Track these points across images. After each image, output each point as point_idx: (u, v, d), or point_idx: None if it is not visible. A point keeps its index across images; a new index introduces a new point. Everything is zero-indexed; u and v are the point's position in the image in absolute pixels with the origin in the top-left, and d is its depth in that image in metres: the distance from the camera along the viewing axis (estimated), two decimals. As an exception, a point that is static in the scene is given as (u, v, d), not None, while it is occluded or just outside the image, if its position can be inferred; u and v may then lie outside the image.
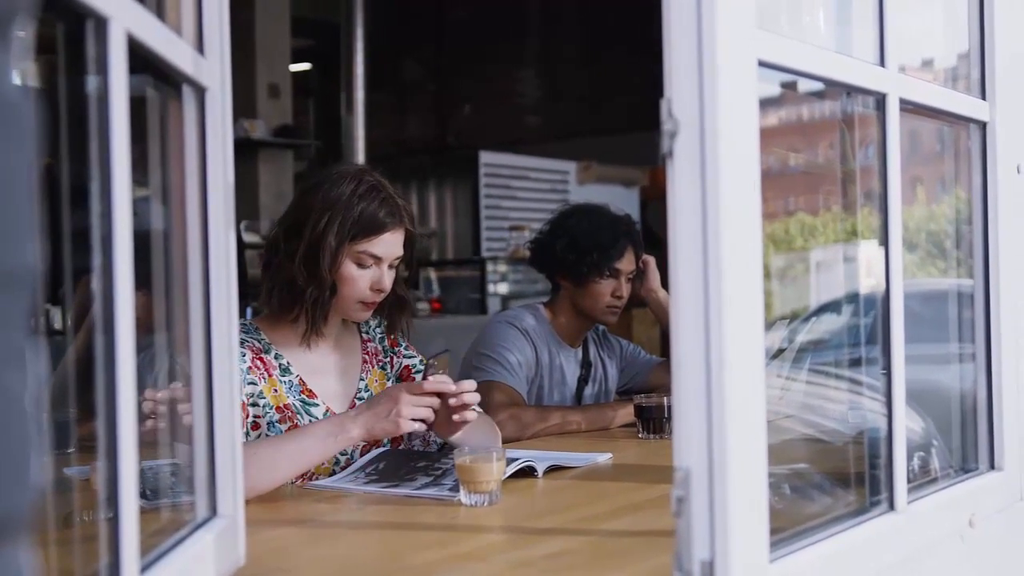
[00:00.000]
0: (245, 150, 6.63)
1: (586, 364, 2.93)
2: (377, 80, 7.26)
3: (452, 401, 1.93)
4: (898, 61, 1.41)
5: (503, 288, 7.31)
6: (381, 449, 2.08)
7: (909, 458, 1.44)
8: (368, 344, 2.22)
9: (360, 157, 6.79)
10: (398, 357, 2.25)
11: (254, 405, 2.00)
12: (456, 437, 2.02)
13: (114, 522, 0.91)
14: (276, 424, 2.01)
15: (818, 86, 1.43)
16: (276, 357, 2.08)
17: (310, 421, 2.03)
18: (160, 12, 1.13)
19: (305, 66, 8.77)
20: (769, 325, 1.15)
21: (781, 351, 1.79)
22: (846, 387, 1.71)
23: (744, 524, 1.06)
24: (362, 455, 2.08)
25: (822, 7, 1.66)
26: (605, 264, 2.78)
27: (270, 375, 2.05)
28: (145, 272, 1.15)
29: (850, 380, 1.70)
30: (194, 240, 1.24)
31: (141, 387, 0.96)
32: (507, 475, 1.84)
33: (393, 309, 2.17)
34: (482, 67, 9.35)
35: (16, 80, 0.60)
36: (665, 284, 2.87)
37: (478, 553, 1.50)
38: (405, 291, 2.15)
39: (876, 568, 1.34)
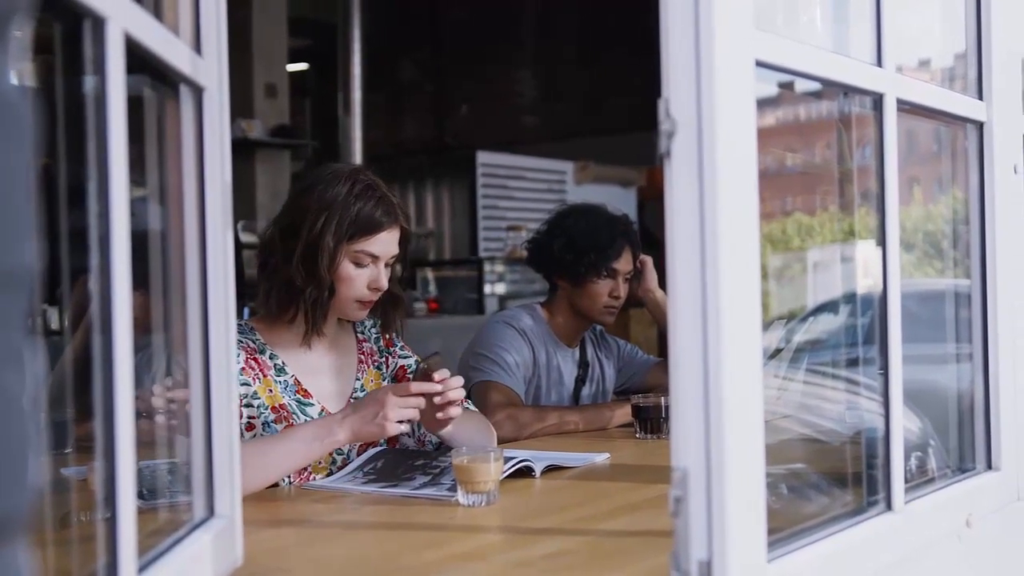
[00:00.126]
0: (242, 150, 6.63)
1: (583, 364, 2.93)
2: (374, 80, 7.26)
3: (437, 399, 1.94)
4: (895, 61, 1.42)
5: (500, 288, 7.31)
6: (378, 448, 2.08)
7: (906, 458, 1.44)
8: (364, 344, 2.23)
9: (357, 157, 6.78)
10: (393, 357, 2.26)
11: (248, 406, 2.00)
12: (447, 432, 2.03)
13: (112, 522, 0.91)
14: (272, 424, 2.01)
15: (815, 86, 1.43)
16: (271, 357, 2.08)
17: (305, 421, 2.03)
18: (158, 12, 1.13)
19: (302, 66, 8.76)
20: (766, 325, 1.15)
21: (778, 351, 1.79)
22: (843, 387, 1.71)
23: (742, 524, 1.06)
24: (359, 455, 2.08)
25: (819, 7, 1.66)
26: (603, 264, 2.78)
27: (265, 375, 2.05)
28: (142, 272, 1.15)
29: (847, 380, 1.70)
30: (191, 240, 1.24)
31: (139, 387, 0.96)
32: (504, 475, 1.84)
33: (388, 307, 2.17)
34: (479, 67, 9.35)
35: (14, 80, 0.60)
36: (662, 284, 2.87)
37: (476, 553, 1.50)
38: (399, 288, 2.16)
39: (874, 568, 1.34)
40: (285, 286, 2.04)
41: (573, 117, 8.97)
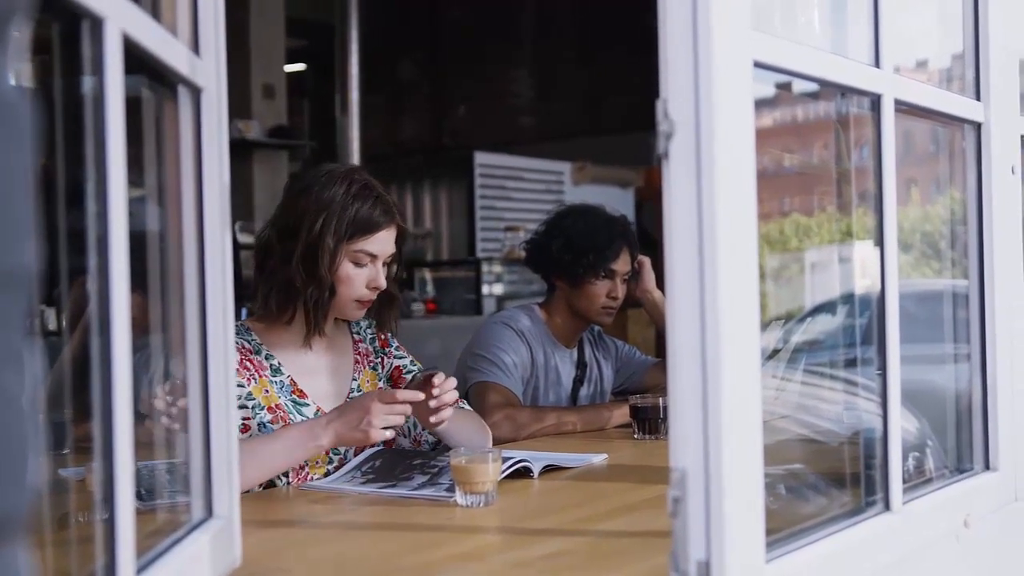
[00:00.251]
0: (240, 150, 6.63)
1: (581, 365, 2.93)
2: (372, 80, 7.26)
3: (432, 403, 1.95)
4: (893, 62, 1.42)
5: (498, 289, 7.31)
6: (376, 448, 2.08)
7: (904, 458, 1.44)
8: (359, 344, 2.24)
9: (355, 158, 6.78)
10: (389, 358, 2.27)
11: (243, 407, 2.00)
12: (442, 430, 2.03)
13: (110, 523, 0.91)
14: (268, 424, 2.02)
15: (812, 87, 1.43)
16: (267, 358, 2.08)
17: (301, 421, 2.04)
18: (156, 12, 1.13)
19: (300, 67, 8.76)
20: (764, 326, 1.15)
21: (776, 352, 1.79)
22: (841, 387, 1.71)
23: (740, 524, 1.06)
24: (356, 455, 2.08)
25: (817, 8, 1.66)
26: (601, 265, 2.78)
27: (260, 376, 2.05)
28: (140, 273, 1.14)
29: (845, 381, 1.70)
30: (190, 241, 1.24)
31: (137, 388, 0.96)
32: (503, 476, 1.84)
33: (383, 306, 2.18)
34: (477, 68, 9.35)
35: (13, 80, 0.60)
36: (660, 285, 2.88)
37: (474, 554, 1.50)
38: (394, 287, 2.17)
39: (872, 568, 1.34)
40: (284, 287, 2.05)
41: (571, 117, 8.97)
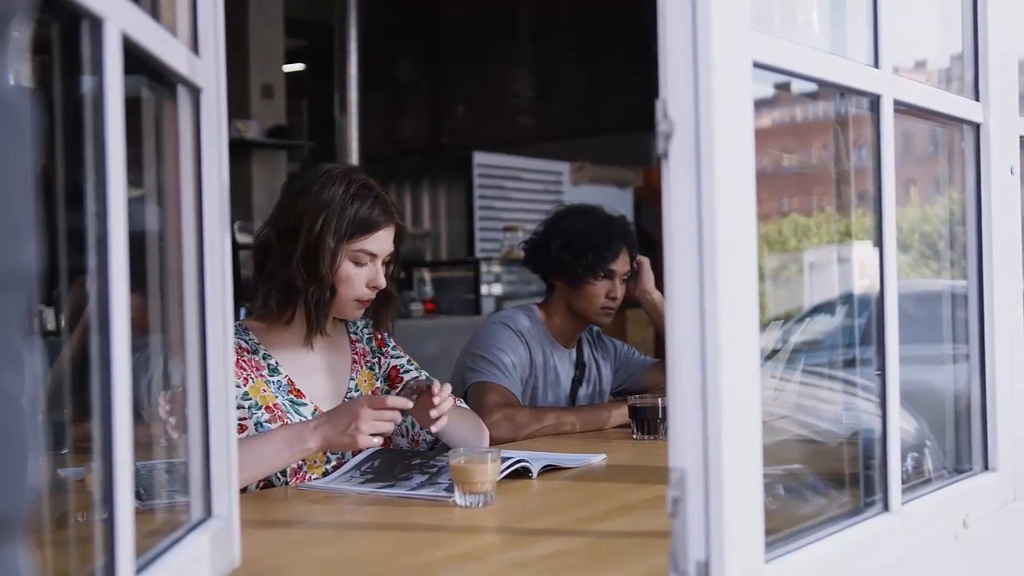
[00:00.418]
0: (239, 150, 6.63)
1: (580, 365, 2.93)
2: (371, 80, 7.25)
3: (433, 413, 1.95)
4: (892, 62, 1.42)
5: (497, 289, 7.31)
6: (374, 448, 2.08)
7: (903, 459, 1.44)
8: (356, 344, 2.24)
9: (354, 158, 6.78)
10: (385, 358, 2.27)
11: (238, 407, 2.00)
12: (438, 427, 2.03)
13: (109, 523, 0.91)
14: (266, 424, 2.02)
15: (811, 87, 1.43)
16: (265, 357, 2.09)
17: (299, 421, 2.04)
18: (155, 12, 1.13)
19: (299, 67, 8.76)
20: (763, 326, 1.15)
21: (775, 352, 1.79)
22: (840, 388, 1.71)
23: (739, 525, 1.06)
24: (354, 455, 2.08)
25: (816, 8, 1.66)
26: (600, 265, 2.78)
27: (259, 375, 2.05)
28: (140, 273, 1.14)
29: (844, 381, 1.70)
30: (189, 241, 1.24)
31: (136, 388, 0.96)
32: (502, 476, 1.84)
33: (380, 305, 2.18)
34: (476, 67, 9.35)
35: (13, 80, 0.60)
36: (659, 285, 2.88)
37: (474, 554, 1.50)
38: (392, 286, 2.17)
39: (871, 568, 1.34)
40: (284, 287, 2.05)
41: (570, 117, 8.97)
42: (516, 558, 1.45)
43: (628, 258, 2.84)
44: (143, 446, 1.29)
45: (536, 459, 2.03)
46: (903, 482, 1.41)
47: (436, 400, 1.96)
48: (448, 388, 2.00)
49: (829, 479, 1.54)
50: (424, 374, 2.30)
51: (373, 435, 1.86)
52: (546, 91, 9.28)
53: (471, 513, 1.70)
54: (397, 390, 2.06)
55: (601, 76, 8.65)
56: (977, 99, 1.67)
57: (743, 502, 1.07)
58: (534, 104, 9.32)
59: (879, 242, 1.40)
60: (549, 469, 2.04)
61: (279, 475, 2.01)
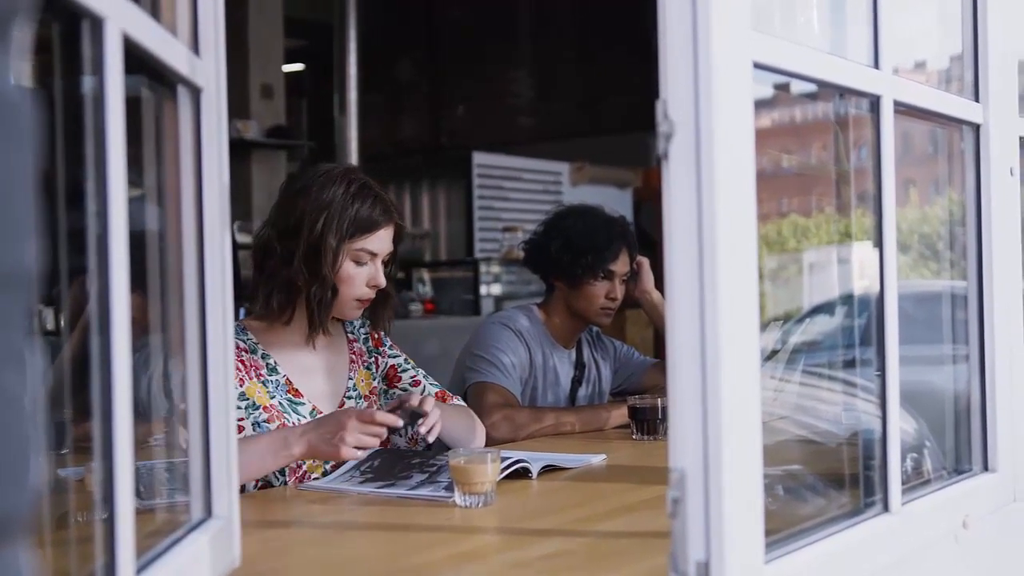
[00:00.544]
0: (238, 150, 6.63)
1: (580, 365, 2.93)
2: (370, 80, 7.25)
3: (423, 430, 1.96)
4: (892, 63, 1.42)
5: (496, 289, 7.31)
6: (356, 460, 2.08)
7: (902, 459, 1.44)
8: (354, 344, 2.25)
9: (353, 158, 6.78)
10: (383, 357, 2.28)
11: (236, 408, 2.00)
12: (432, 435, 2.03)
13: (110, 523, 0.91)
14: (264, 424, 2.02)
15: (811, 87, 1.43)
16: (263, 357, 2.09)
17: (297, 420, 2.05)
18: (155, 12, 1.13)
19: (298, 67, 8.76)
20: (762, 326, 1.15)
21: (775, 352, 1.79)
22: (840, 388, 1.71)
23: (739, 525, 1.06)
24: (336, 466, 2.07)
25: (816, 8, 1.66)
26: (600, 266, 2.78)
27: (258, 374, 2.06)
28: (140, 273, 1.14)
29: (844, 382, 1.70)
30: (189, 241, 1.24)
31: (136, 388, 0.96)
32: (501, 476, 1.84)
33: (377, 304, 2.19)
34: (475, 67, 9.35)
35: (15, 80, 0.60)
36: (659, 285, 2.88)
37: (473, 554, 1.50)
38: (390, 285, 2.17)
39: (871, 569, 1.34)
40: (286, 287, 2.06)
41: (569, 117, 8.97)
42: (516, 558, 1.45)
43: (628, 258, 2.84)
44: (143, 447, 1.29)
45: (536, 459, 2.03)
46: (903, 483, 1.41)
47: (424, 428, 1.95)
48: (430, 401, 1.99)
49: (829, 480, 1.54)
50: (421, 372, 2.31)
51: (357, 448, 1.84)
52: (546, 91, 9.28)
53: (471, 513, 1.70)
54: (390, 406, 2.05)
55: (601, 76, 8.65)
56: (977, 100, 1.67)
57: (743, 502, 1.07)
58: (534, 104, 9.33)
59: (879, 243, 1.40)
60: (549, 469, 2.04)
61: (278, 475, 2.01)
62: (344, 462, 1.98)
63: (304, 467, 2.04)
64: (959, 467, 1.68)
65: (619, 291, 2.82)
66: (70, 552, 1.03)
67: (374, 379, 2.25)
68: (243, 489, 1.89)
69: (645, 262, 2.93)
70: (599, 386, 2.97)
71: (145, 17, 1.03)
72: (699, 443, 1.05)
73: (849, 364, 1.64)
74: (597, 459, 2.20)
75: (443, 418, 2.05)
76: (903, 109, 1.46)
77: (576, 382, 2.91)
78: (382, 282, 2.11)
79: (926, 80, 1.80)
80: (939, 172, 1.82)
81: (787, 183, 1.70)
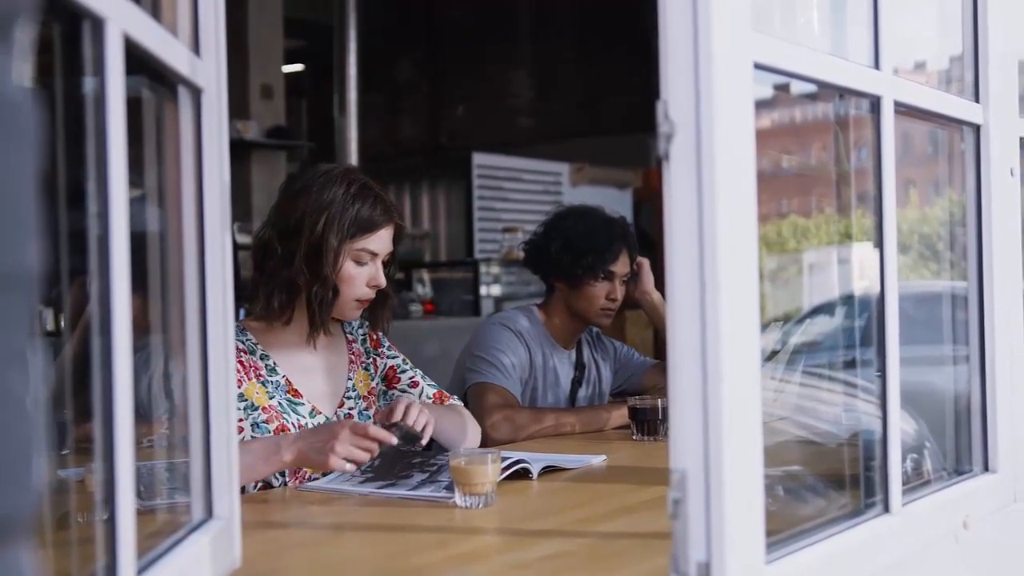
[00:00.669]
0: (238, 151, 6.62)
1: (580, 366, 2.93)
2: (370, 81, 7.25)
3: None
4: (892, 63, 1.42)
5: (496, 290, 7.30)
6: (343, 472, 2.07)
7: (903, 460, 1.44)
8: (352, 345, 2.25)
9: (353, 158, 6.78)
10: (381, 358, 2.28)
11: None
12: (425, 437, 2.04)
13: (111, 524, 0.91)
14: (263, 424, 2.02)
15: (810, 88, 1.43)
16: (262, 358, 2.09)
17: (297, 420, 2.05)
18: (156, 13, 1.13)
19: (298, 67, 8.76)
20: (763, 327, 1.15)
21: (775, 353, 1.80)
22: (840, 389, 1.71)
23: (740, 526, 1.06)
24: (324, 474, 2.07)
25: (816, 8, 1.66)
26: (600, 266, 2.78)
27: (257, 375, 2.06)
28: (140, 273, 1.14)
29: (844, 382, 1.70)
30: (190, 241, 1.24)
31: (137, 389, 0.96)
32: (502, 477, 1.84)
33: (376, 304, 2.19)
34: (475, 68, 9.35)
35: (16, 81, 0.60)
36: (659, 286, 2.88)
37: (474, 555, 1.50)
38: (389, 286, 2.18)
39: (871, 570, 1.34)
40: (287, 287, 2.06)
41: (569, 118, 8.97)
42: (516, 559, 1.45)
43: (628, 259, 2.84)
44: (143, 448, 1.29)
45: (536, 460, 2.03)
46: (903, 483, 1.41)
47: (395, 440, 1.91)
48: (414, 410, 1.98)
49: (829, 480, 1.54)
50: (419, 373, 2.31)
51: (347, 460, 1.81)
52: (545, 91, 9.28)
53: (471, 514, 1.70)
54: (382, 414, 2.04)
55: (601, 76, 8.65)
56: (977, 100, 1.67)
57: (744, 503, 1.07)
58: (533, 104, 9.33)
59: (879, 243, 1.40)
60: (549, 470, 2.04)
61: (278, 475, 2.01)
62: (332, 472, 1.96)
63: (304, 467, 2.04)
64: (959, 468, 1.68)
65: (619, 292, 2.82)
66: (71, 553, 1.03)
67: (372, 380, 2.25)
68: (243, 490, 1.89)
69: (645, 263, 2.93)
70: (599, 387, 2.97)
71: (146, 18, 1.03)
72: (700, 444, 1.05)
73: (849, 365, 1.64)
74: (597, 460, 2.20)
75: (436, 420, 2.05)
76: (903, 110, 1.46)
77: (576, 383, 2.91)
78: (382, 282, 2.11)
79: (926, 81, 1.80)
80: (939, 173, 1.82)
81: (787, 183, 1.71)
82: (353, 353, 2.25)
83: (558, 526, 1.64)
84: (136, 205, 1.01)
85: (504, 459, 1.87)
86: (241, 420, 2.00)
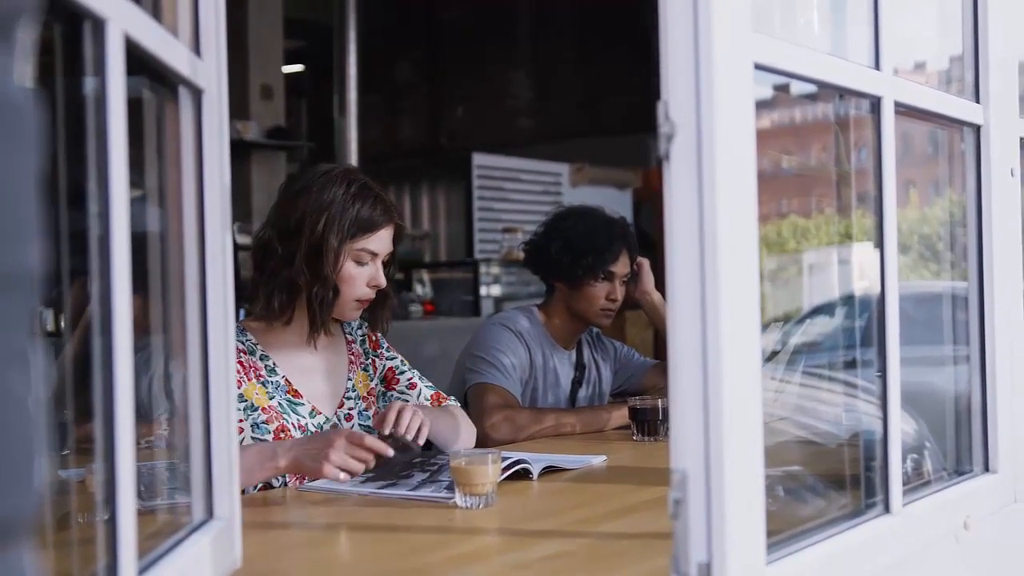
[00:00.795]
0: (238, 151, 6.62)
1: (580, 366, 2.93)
2: (370, 81, 7.25)
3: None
4: (893, 64, 1.42)
5: (496, 290, 7.30)
6: (336, 481, 2.07)
7: (903, 460, 1.44)
8: (352, 345, 2.26)
9: (353, 159, 6.78)
10: (380, 359, 2.28)
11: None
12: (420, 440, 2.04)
13: (112, 525, 0.91)
14: (263, 425, 2.02)
15: (811, 88, 1.43)
16: (262, 358, 2.09)
17: (297, 420, 2.05)
18: (157, 13, 1.13)
19: (298, 67, 8.76)
20: (763, 327, 1.15)
21: (775, 353, 1.80)
22: (840, 389, 1.71)
23: (741, 526, 1.06)
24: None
25: (816, 9, 1.66)
26: (600, 267, 2.78)
27: (257, 375, 2.06)
28: (141, 274, 1.14)
29: (844, 382, 1.70)
30: (190, 242, 1.24)
31: (137, 389, 0.96)
32: (502, 477, 1.84)
33: (376, 304, 2.19)
34: (475, 68, 9.35)
35: (18, 82, 0.60)
36: (659, 286, 2.88)
37: (474, 555, 1.51)
38: (389, 286, 2.18)
39: (872, 570, 1.34)
40: (287, 287, 2.06)
41: (569, 118, 8.97)
42: (517, 560, 1.45)
43: (628, 260, 2.84)
44: (144, 449, 1.29)
45: (536, 460, 2.03)
46: (904, 483, 1.41)
47: (391, 452, 1.88)
48: (407, 416, 1.98)
49: (830, 481, 1.54)
50: (416, 374, 2.31)
51: (341, 469, 1.80)
52: (545, 92, 9.28)
53: (472, 514, 1.70)
54: (376, 418, 2.04)
55: (600, 76, 8.65)
56: (977, 101, 1.67)
57: (744, 503, 1.07)
58: (533, 105, 9.33)
59: (880, 244, 1.40)
60: (549, 470, 2.04)
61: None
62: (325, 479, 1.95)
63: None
64: (960, 468, 1.68)
65: (619, 292, 2.82)
66: (72, 553, 1.03)
67: (372, 380, 2.25)
68: (244, 491, 1.89)
69: (645, 263, 2.93)
70: (599, 387, 2.97)
71: (147, 18, 1.03)
72: (700, 444, 1.05)
73: (849, 365, 1.64)
74: (598, 460, 2.20)
75: (432, 422, 2.05)
76: (904, 110, 1.46)
77: (576, 383, 2.91)
78: (382, 282, 2.11)
79: (926, 81, 1.80)
80: (939, 173, 1.82)
81: (786, 184, 1.71)
82: (353, 353, 2.25)
83: (558, 526, 1.64)
84: (137, 205, 1.01)
85: (504, 459, 1.87)
86: (241, 421, 2.00)
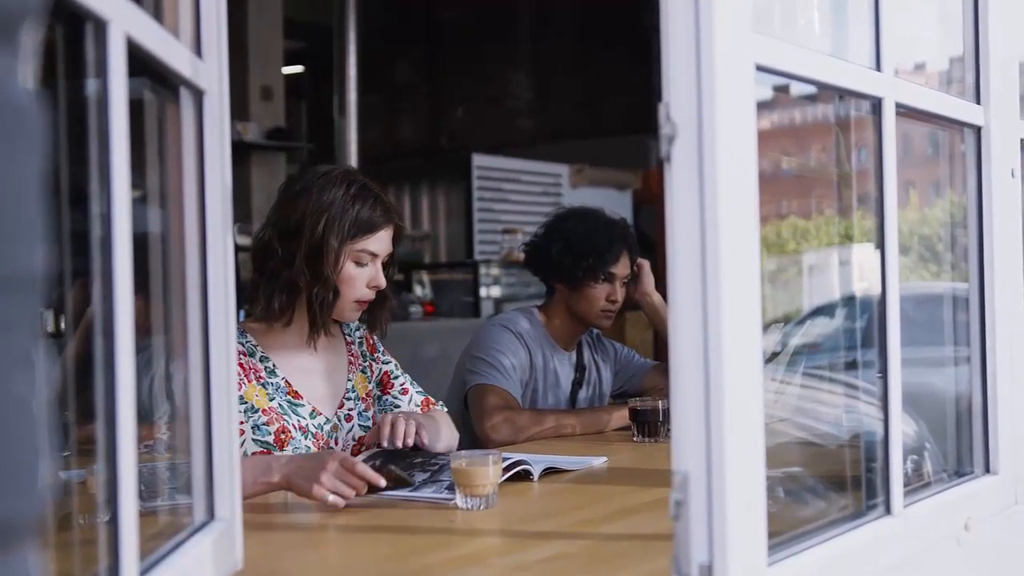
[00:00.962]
0: (238, 152, 6.59)
1: (580, 367, 2.93)
2: (370, 82, 7.25)
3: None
4: (893, 65, 1.42)
5: (496, 291, 7.30)
6: (376, 448, 2.08)
7: (903, 461, 1.44)
8: (351, 346, 2.26)
9: (353, 160, 6.77)
10: (377, 363, 2.29)
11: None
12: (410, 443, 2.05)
13: (113, 525, 0.91)
14: (263, 427, 2.02)
15: (811, 89, 1.43)
16: (262, 360, 2.09)
17: (297, 421, 2.05)
18: (158, 15, 1.13)
19: (298, 68, 8.76)
20: (764, 328, 1.15)
21: (775, 355, 1.80)
22: (840, 391, 1.71)
23: (742, 527, 1.06)
24: (354, 455, 2.08)
25: (817, 10, 1.66)
26: (600, 268, 2.77)
27: (257, 377, 2.06)
28: (142, 275, 1.14)
29: (844, 384, 1.70)
30: (192, 243, 1.24)
31: (138, 390, 0.96)
32: (503, 478, 1.84)
33: (375, 305, 2.19)
34: (475, 68, 9.35)
35: (22, 84, 0.60)
36: (659, 288, 2.88)
37: (475, 557, 1.51)
38: (389, 287, 2.18)
39: (872, 571, 1.34)
40: (287, 288, 2.06)
41: (569, 119, 8.97)
42: (517, 561, 1.45)
43: (628, 261, 2.84)
44: (144, 448, 1.29)
45: (537, 461, 2.03)
46: (904, 485, 1.41)
47: (383, 482, 1.86)
48: (401, 426, 2.00)
49: (830, 482, 1.54)
50: (409, 379, 2.32)
51: (332, 492, 1.75)
52: (545, 92, 9.27)
53: (472, 516, 1.70)
54: (369, 436, 2.04)
55: (601, 77, 8.65)
56: (978, 102, 1.67)
57: (746, 505, 1.07)
58: (533, 105, 9.32)
59: (881, 245, 1.40)
60: (550, 472, 2.04)
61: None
62: (360, 450, 1.99)
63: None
64: (960, 469, 1.68)
65: (620, 293, 2.82)
66: (73, 554, 1.03)
67: (369, 383, 2.26)
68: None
69: (646, 264, 2.93)
70: (599, 388, 2.97)
71: (148, 20, 1.04)
72: (702, 445, 1.05)
73: (850, 366, 1.64)
74: (598, 461, 2.20)
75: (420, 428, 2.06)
76: (904, 111, 1.46)
77: (576, 384, 2.91)
78: (382, 283, 2.11)
79: (926, 82, 1.80)
80: (940, 174, 1.82)
81: (786, 185, 1.71)
82: (352, 355, 2.25)
83: (559, 528, 1.64)
84: (138, 207, 1.01)
85: (505, 460, 1.87)
86: (241, 422, 2.00)
